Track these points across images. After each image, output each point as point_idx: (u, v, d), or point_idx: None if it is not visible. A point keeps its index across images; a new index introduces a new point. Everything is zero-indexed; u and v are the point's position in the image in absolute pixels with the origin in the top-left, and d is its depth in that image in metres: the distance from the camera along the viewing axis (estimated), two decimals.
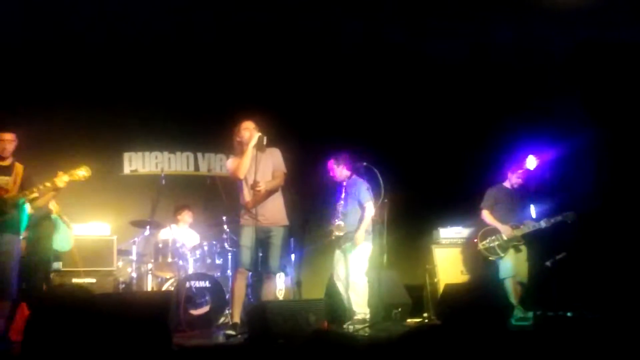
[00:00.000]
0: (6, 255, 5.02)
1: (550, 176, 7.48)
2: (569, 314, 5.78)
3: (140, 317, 4.19)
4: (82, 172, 5.26)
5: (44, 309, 3.94)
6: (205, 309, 6.48)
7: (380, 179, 6.16)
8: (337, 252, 6.22)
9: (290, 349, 4.41)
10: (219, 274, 6.97)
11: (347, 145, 6.57)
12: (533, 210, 7.04)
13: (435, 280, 7.40)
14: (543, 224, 6.70)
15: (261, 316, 4.90)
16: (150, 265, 6.90)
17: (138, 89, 7.91)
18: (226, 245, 6.99)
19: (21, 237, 5.27)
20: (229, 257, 6.98)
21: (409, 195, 7.26)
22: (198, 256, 6.91)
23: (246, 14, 6.93)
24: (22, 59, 7.30)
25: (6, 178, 5.15)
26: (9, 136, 5.17)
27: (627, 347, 3.62)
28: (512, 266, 6.73)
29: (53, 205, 5.99)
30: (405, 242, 7.54)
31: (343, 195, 6.21)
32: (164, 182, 7.02)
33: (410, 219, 7.69)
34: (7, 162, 5.21)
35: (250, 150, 5.54)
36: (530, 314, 6.32)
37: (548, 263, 6.63)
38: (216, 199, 7.56)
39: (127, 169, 8.21)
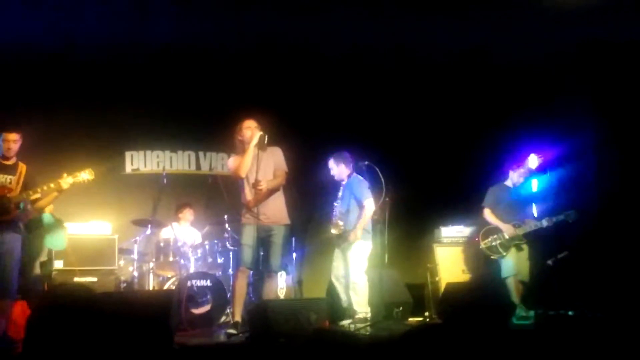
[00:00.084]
0: (8, 255, 5.03)
1: (552, 175, 7.48)
2: (570, 313, 5.77)
3: (141, 316, 4.20)
4: (86, 174, 5.30)
5: (46, 308, 3.95)
6: (206, 307, 6.48)
7: (382, 177, 6.16)
8: (336, 251, 6.22)
9: (291, 348, 4.41)
10: (220, 272, 6.98)
11: (348, 144, 6.57)
12: (535, 209, 7.04)
13: (437, 279, 7.40)
14: (545, 222, 6.70)
15: (262, 315, 4.90)
16: (151, 264, 6.90)
17: (140, 88, 7.91)
18: (227, 244, 6.99)
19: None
20: (231, 256, 6.98)
21: (410, 193, 7.26)
22: (199, 255, 6.92)
23: (247, 14, 6.92)
24: (23, 58, 7.30)
25: (10, 177, 5.18)
26: (14, 136, 5.20)
27: (628, 346, 3.62)
28: (513, 265, 6.72)
29: None
30: (407, 241, 7.53)
31: (340, 194, 6.21)
32: (165, 181, 7.02)
33: (412, 218, 7.69)
34: (11, 162, 5.24)
35: (251, 149, 5.54)
36: (531, 313, 6.31)
37: (549, 262, 6.63)
38: (218, 197, 7.56)
39: (128, 168, 8.22)
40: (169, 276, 6.89)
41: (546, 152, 7.25)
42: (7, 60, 7.12)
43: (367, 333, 5.55)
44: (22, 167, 5.24)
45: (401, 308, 6.84)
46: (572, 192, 7.30)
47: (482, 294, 4.90)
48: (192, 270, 6.77)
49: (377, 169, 6.20)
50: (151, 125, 8.05)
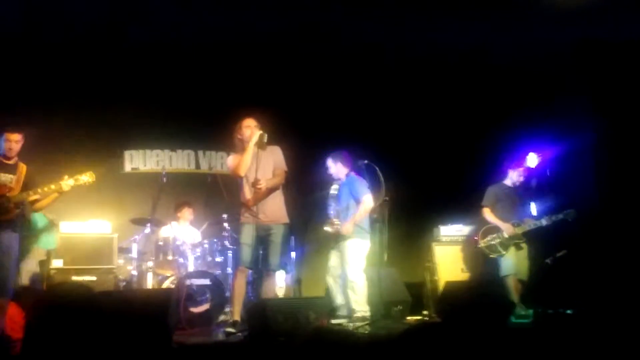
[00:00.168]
0: (5, 254, 5.06)
1: (551, 174, 7.48)
2: (569, 312, 5.77)
3: (140, 315, 4.19)
4: (87, 177, 5.37)
5: (45, 307, 3.95)
6: (205, 306, 6.48)
7: (381, 176, 6.16)
8: (333, 251, 6.22)
9: (290, 347, 4.41)
10: (219, 271, 6.97)
11: (348, 143, 6.57)
12: (534, 208, 7.04)
13: (436, 277, 7.40)
14: (544, 221, 6.71)
15: (261, 314, 4.90)
16: (150, 263, 6.89)
17: (139, 87, 7.91)
18: (227, 243, 6.99)
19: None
20: (230, 254, 6.98)
21: (409, 192, 7.27)
22: (198, 254, 6.92)
23: (246, 13, 6.92)
24: (22, 56, 7.30)
25: (10, 176, 5.22)
26: (17, 136, 5.25)
27: (627, 344, 3.62)
28: (513, 264, 6.73)
29: None
30: (406, 240, 7.54)
31: (334, 192, 6.21)
32: (164, 180, 7.01)
33: (411, 217, 7.69)
34: (12, 161, 5.28)
35: (251, 148, 5.53)
36: (530, 312, 6.32)
37: (548, 261, 6.65)
38: (217, 196, 7.56)
39: (128, 167, 8.22)
40: (168, 275, 6.88)
41: (545, 151, 7.26)
42: (5, 58, 7.12)
43: (366, 332, 5.55)
44: (23, 167, 5.29)
45: (400, 307, 6.85)
46: (571, 191, 7.30)
47: (481, 293, 4.90)
48: (191, 269, 6.77)
49: (377, 168, 6.20)
50: (150, 124, 8.05)
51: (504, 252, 6.77)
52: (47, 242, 6.32)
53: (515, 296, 6.56)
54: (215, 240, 7.10)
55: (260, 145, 5.54)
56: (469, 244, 7.42)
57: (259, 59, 7.88)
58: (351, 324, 5.78)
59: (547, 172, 7.43)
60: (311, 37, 7.48)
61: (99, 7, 6.68)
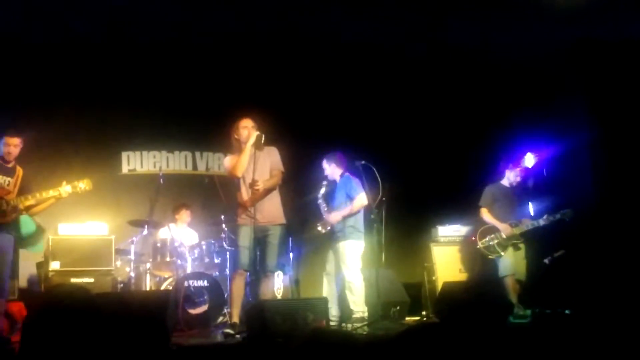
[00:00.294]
0: (1, 256, 5.09)
1: (548, 174, 7.49)
2: (566, 312, 5.78)
3: (138, 317, 4.19)
4: (84, 185, 5.43)
5: (42, 309, 3.94)
6: (203, 308, 6.47)
7: (379, 176, 6.16)
8: (329, 253, 6.23)
9: (288, 348, 4.40)
10: (217, 273, 6.97)
11: (345, 144, 6.57)
12: (531, 208, 7.05)
13: (434, 278, 7.41)
14: (542, 221, 6.71)
15: (259, 315, 4.89)
16: (148, 265, 6.89)
17: (136, 89, 7.90)
18: (224, 244, 6.98)
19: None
20: (227, 256, 6.97)
21: (407, 193, 7.27)
22: (196, 255, 6.91)
23: (244, 14, 6.91)
24: (20, 58, 7.28)
25: (8, 179, 5.27)
26: (16, 141, 5.29)
27: (624, 344, 3.62)
28: (511, 264, 6.73)
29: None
30: (404, 240, 7.54)
31: (323, 192, 6.21)
32: (162, 181, 7.00)
33: (409, 217, 7.69)
34: (10, 164, 5.33)
35: (248, 149, 5.53)
36: (528, 312, 6.32)
37: (546, 260, 6.65)
38: (214, 198, 7.54)
39: (125, 169, 8.20)
40: (166, 276, 6.88)
41: (542, 151, 7.26)
42: (4, 59, 7.11)
43: (364, 333, 5.55)
44: (20, 171, 5.34)
45: (398, 307, 6.84)
46: (569, 191, 7.30)
47: (479, 293, 4.90)
48: (189, 270, 6.76)
49: (374, 169, 6.20)
50: (148, 125, 8.04)
51: (502, 253, 6.77)
52: (34, 246, 6.33)
53: (513, 296, 6.56)
54: (213, 241, 7.09)
55: (257, 145, 5.53)
56: (466, 244, 7.42)
57: (256, 60, 7.88)
58: (349, 325, 5.78)
59: (544, 172, 7.44)
60: (307, 38, 7.48)
61: (97, 9, 6.67)
